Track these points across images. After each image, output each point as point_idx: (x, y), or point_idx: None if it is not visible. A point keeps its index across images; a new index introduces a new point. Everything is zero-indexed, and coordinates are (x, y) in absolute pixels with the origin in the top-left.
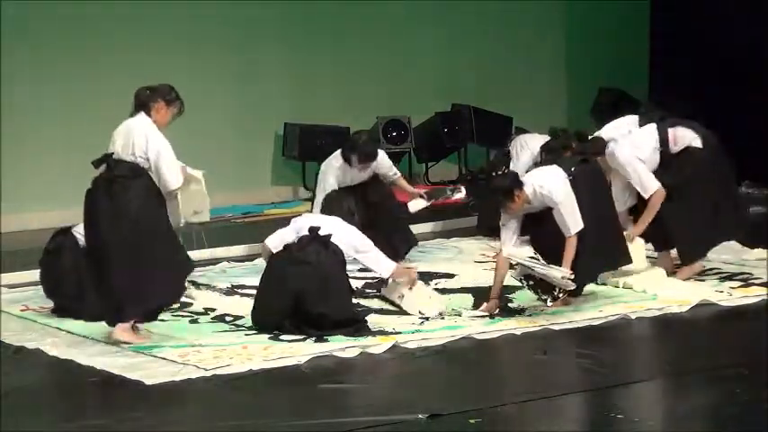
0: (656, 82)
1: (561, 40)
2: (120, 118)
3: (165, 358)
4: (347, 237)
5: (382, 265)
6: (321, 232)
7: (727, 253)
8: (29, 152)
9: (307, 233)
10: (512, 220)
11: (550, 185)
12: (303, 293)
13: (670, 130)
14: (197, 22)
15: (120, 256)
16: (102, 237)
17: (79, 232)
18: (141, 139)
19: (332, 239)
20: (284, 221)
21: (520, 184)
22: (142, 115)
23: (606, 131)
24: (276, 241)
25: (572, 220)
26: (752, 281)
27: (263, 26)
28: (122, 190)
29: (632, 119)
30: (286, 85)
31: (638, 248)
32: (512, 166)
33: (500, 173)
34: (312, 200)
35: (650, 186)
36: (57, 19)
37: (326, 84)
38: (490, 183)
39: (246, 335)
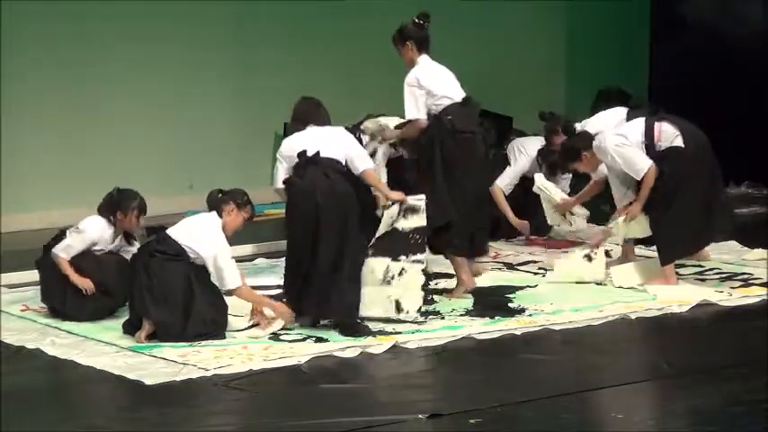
0: (656, 83)
1: (560, 41)
2: (118, 117)
3: (165, 358)
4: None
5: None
6: (311, 151)
7: (727, 253)
8: (29, 152)
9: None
10: None
11: None
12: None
13: (656, 125)
14: (197, 22)
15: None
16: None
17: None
18: (204, 236)
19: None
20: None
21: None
22: (214, 215)
23: (593, 124)
24: (281, 178)
25: None
26: (752, 281)
27: (263, 26)
28: (159, 269)
29: (620, 111)
30: (286, 85)
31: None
32: (509, 171)
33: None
34: None
35: (641, 167)
36: (57, 19)
37: (325, 84)
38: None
39: (247, 335)
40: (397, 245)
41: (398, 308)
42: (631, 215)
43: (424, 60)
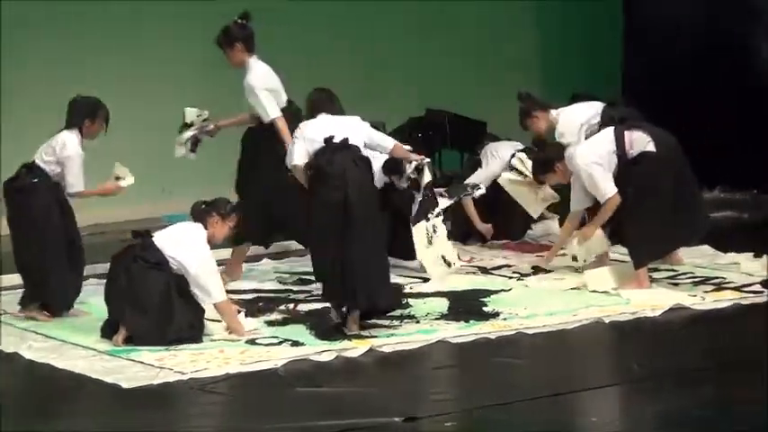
0: (629, 87)
1: (535, 44)
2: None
3: (142, 362)
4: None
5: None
6: (338, 137)
7: (700, 257)
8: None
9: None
10: None
11: None
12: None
13: (626, 134)
14: (176, 21)
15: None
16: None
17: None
18: (187, 248)
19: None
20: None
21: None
22: (200, 227)
23: (568, 113)
24: (301, 156)
25: None
26: (725, 285)
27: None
28: (139, 275)
29: (597, 105)
30: None
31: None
32: (481, 173)
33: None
34: None
35: (606, 192)
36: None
37: (307, 87)
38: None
39: (224, 339)
40: (423, 205)
41: (447, 263)
42: (583, 236)
43: (256, 61)
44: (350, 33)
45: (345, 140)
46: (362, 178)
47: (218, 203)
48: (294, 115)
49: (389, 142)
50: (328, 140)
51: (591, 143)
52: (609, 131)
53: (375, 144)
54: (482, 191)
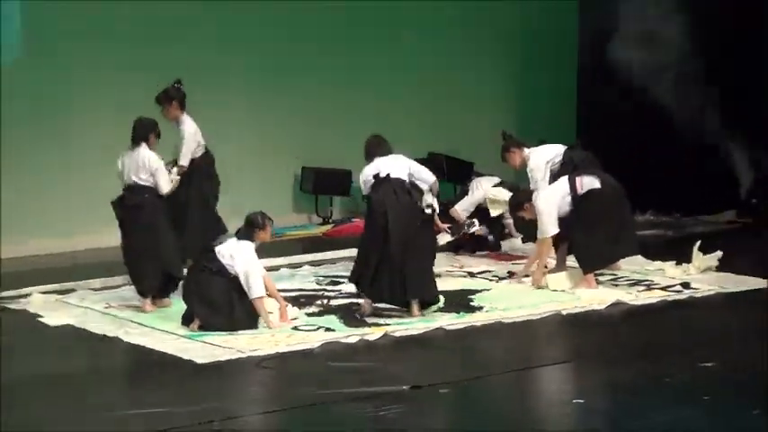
0: (583, 134)
1: (512, 103)
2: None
3: (211, 344)
4: (407, 167)
5: (429, 176)
6: (382, 174)
7: (634, 265)
8: (95, 173)
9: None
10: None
11: None
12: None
13: (577, 179)
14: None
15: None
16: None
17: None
18: (239, 258)
19: (393, 175)
20: (301, 241)
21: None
22: (248, 243)
23: (538, 152)
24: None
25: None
26: (653, 286)
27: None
28: (205, 280)
29: (559, 147)
30: (302, 134)
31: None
32: (467, 200)
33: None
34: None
35: (546, 232)
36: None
37: (333, 134)
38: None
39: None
40: None
41: None
42: (536, 284)
43: (188, 118)
44: (375, 89)
45: (388, 175)
46: (400, 204)
47: (254, 222)
48: (209, 159)
49: (430, 177)
50: (376, 176)
51: (551, 189)
52: (565, 179)
53: (418, 177)
54: (476, 228)
